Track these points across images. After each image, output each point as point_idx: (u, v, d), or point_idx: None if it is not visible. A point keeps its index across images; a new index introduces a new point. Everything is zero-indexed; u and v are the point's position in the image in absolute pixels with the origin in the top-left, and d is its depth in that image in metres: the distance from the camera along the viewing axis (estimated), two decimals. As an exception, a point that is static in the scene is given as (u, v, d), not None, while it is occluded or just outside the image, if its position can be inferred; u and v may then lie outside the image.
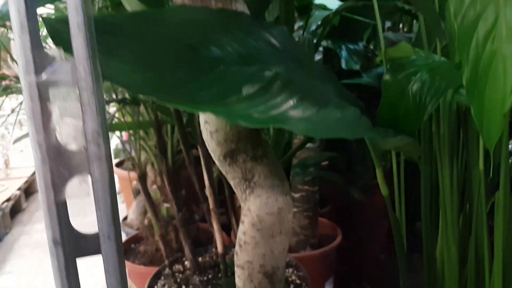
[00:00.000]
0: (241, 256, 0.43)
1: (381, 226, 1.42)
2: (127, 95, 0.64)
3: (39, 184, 0.23)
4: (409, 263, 0.67)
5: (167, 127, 0.90)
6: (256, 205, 0.42)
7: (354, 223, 1.31)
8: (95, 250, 0.27)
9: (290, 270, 0.79)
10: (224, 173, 0.44)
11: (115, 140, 2.08)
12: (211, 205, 0.69)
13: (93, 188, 0.24)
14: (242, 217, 0.43)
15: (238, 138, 0.41)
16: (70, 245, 0.26)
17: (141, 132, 1.06)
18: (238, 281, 0.44)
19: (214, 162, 0.82)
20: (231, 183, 0.44)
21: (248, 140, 0.41)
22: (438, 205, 0.56)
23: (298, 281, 0.75)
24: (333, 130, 0.29)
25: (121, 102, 0.66)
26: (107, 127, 0.24)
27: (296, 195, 0.98)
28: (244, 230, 0.42)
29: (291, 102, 0.30)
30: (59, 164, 0.23)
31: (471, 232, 0.51)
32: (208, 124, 0.40)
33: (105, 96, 0.74)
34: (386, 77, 0.40)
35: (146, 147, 0.98)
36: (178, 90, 0.28)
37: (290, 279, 0.76)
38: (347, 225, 1.19)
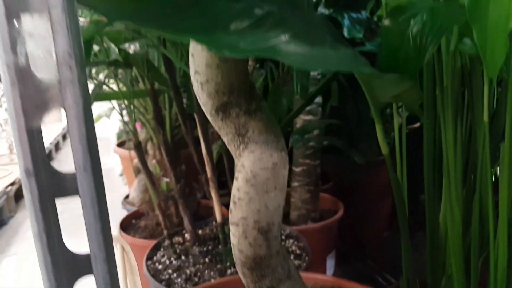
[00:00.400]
0: (235, 213, 0.42)
1: (385, 205, 1.40)
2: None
3: (9, 110, 0.22)
4: (412, 241, 0.65)
5: (165, 100, 0.88)
6: (250, 161, 0.40)
7: (357, 200, 1.30)
8: (76, 190, 0.25)
9: (291, 241, 0.79)
10: (217, 129, 0.42)
11: (117, 122, 2.08)
12: (209, 174, 0.68)
13: (66, 116, 0.22)
14: (236, 174, 0.42)
15: (230, 90, 0.39)
16: (48, 182, 0.25)
17: (141, 108, 1.05)
18: (233, 239, 0.43)
19: (211, 132, 0.80)
20: (225, 139, 0.42)
21: (241, 93, 0.40)
22: (441, 167, 0.54)
23: (298, 251, 0.74)
24: (328, 63, 0.28)
25: (113, 64, 0.64)
26: (81, 50, 0.22)
27: (297, 169, 0.97)
28: (238, 187, 0.41)
29: (283, 38, 0.29)
30: (29, 88, 0.22)
31: (475, 191, 0.49)
32: (199, 75, 0.38)
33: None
34: (386, 22, 0.38)
35: (145, 122, 0.97)
36: (159, 19, 0.26)
37: (290, 249, 0.76)
38: (350, 202, 1.18)
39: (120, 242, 0.40)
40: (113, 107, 1.01)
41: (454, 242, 0.53)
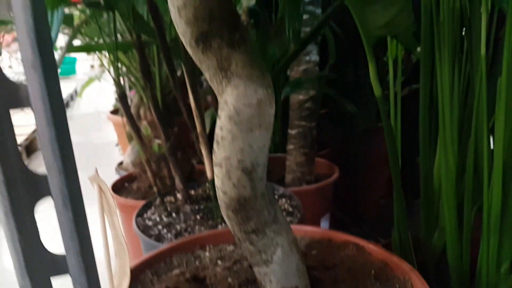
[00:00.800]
0: (218, 154, 0.40)
1: (382, 174, 1.39)
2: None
3: None
4: (409, 209, 0.64)
5: (154, 58, 0.85)
6: (233, 97, 0.38)
7: (354, 168, 1.29)
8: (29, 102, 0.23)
9: (283, 200, 0.77)
10: (198, 63, 0.40)
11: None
12: (198, 129, 0.66)
13: (12, 5, 0.20)
14: (219, 112, 0.39)
15: (210, 17, 0.36)
16: (2, 95, 0.23)
17: (134, 71, 1.02)
18: (216, 181, 0.41)
19: (199, 82, 0.77)
20: (207, 75, 0.40)
21: (222, 21, 0.37)
22: (437, 115, 0.52)
23: (290, 209, 0.73)
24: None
25: (92, 6, 0.60)
26: None
27: (293, 132, 0.94)
28: (220, 125, 0.39)
29: None
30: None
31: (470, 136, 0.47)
32: (176, -2, 0.35)
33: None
34: None
35: (136, 83, 0.94)
36: None
37: (283, 207, 0.75)
38: (347, 170, 1.17)
39: (97, 182, 0.38)
40: (104, 69, 0.98)
41: (448, 191, 0.51)
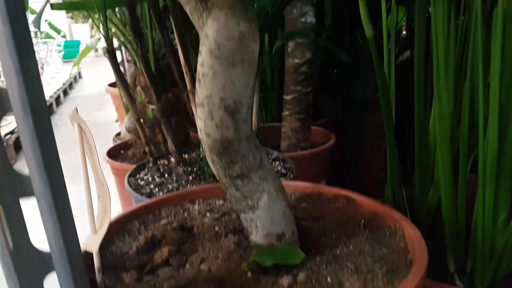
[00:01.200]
0: (200, 93, 0.38)
1: (380, 147, 1.37)
2: None
3: None
4: (407, 181, 0.62)
5: (146, 20, 0.83)
6: (213, 29, 0.37)
7: (351, 139, 1.27)
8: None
9: (277, 162, 0.76)
10: (178, -3, 0.38)
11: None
12: (188, 86, 0.65)
13: None
14: (200, 47, 0.38)
15: None
16: None
17: (128, 35, 1.00)
18: (199, 123, 0.40)
19: (188, 33, 0.75)
20: (187, 10, 0.38)
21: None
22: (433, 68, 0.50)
23: (283, 171, 0.72)
24: None
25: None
26: None
27: (288, 97, 0.93)
28: (202, 61, 0.38)
29: None
30: None
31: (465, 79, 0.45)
32: None
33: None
34: None
35: (131, 49, 0.93)
36: None
37: (276, 169, 0.74)
38: (344, 139, 1.14)
39: (77, 121, 0.37)
40: (99, 38, 0.96)
41: (442, 142, 0.50)
